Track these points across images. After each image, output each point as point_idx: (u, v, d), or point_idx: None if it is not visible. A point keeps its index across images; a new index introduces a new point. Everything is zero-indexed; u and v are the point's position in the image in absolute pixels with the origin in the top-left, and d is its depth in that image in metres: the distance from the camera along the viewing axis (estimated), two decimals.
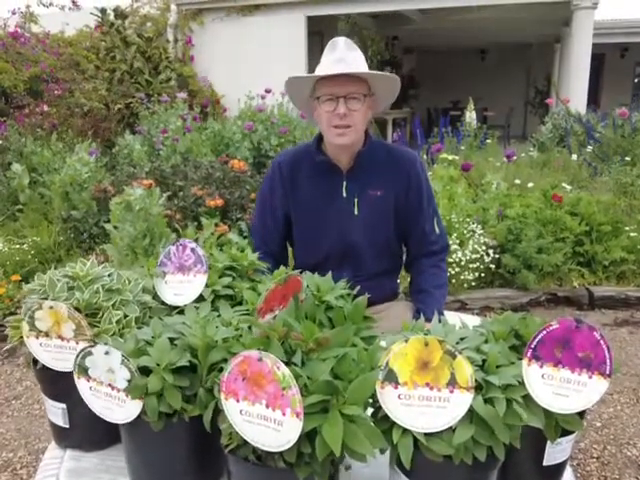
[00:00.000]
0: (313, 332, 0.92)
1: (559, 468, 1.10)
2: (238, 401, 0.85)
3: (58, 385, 1.14)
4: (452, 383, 0.87)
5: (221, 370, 0.93)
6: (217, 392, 0.88)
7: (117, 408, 0.98)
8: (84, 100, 6.65)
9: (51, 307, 1.06)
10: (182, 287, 1.24)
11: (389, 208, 1.77)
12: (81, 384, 1.00)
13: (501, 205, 4.04)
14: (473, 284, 3.71)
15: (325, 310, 1.14)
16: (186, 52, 8.66)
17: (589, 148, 6.37)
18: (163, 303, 1.26)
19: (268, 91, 5.94)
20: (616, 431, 2.58)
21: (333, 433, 0.79)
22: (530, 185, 4.57)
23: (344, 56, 1.60)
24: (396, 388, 0.88)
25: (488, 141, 6.51)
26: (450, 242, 3.65)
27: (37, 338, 1.10)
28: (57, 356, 1.10)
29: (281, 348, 0.89)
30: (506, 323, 1.07)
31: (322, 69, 1.62)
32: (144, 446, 1.02)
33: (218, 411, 0.93)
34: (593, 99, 10.22)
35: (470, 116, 6.80)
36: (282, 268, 1.20)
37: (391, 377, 0.88)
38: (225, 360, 0.94)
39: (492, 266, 3.72)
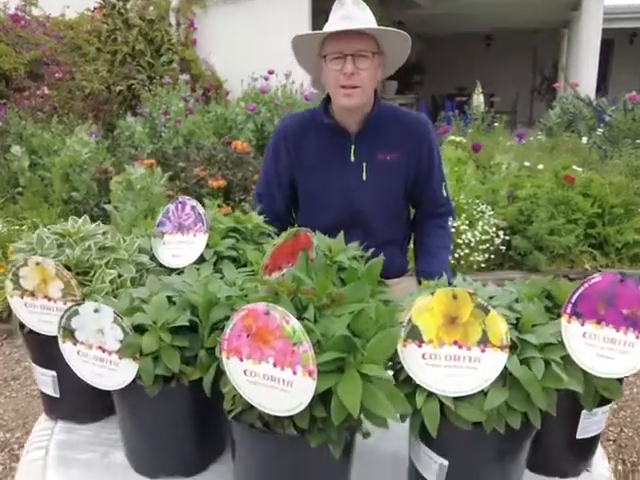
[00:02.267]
0: (326, 287, 0.82)
1: (592, 443, 1.01)
2: (242, 360, 0.75)
3: (46, 351, 1.05)
4: (484, 341, 0.77)
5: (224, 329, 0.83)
6: (219, 351, 0.79)
7: (109, 373, 0.88)
8: (85, 82, 6.55)
9: (37, 263, 0.97)
10: (181, 248, 1.15)
11: (399, 172, 1.70)
12: (67, 348, 0.91)
13: (511, 186, 3.93)
14: (483, 266, 3.61)
15: (337, 271, 1.05)
16: (188, 36, 8.52)
17: (599, 131, 6.24)
18: (161, 266, 1.16)
19: (271, 72, 5.82)
20: (633, 413, 2.49)
21: (350, 393, 0.69)
22: (540, 167, 4.46)
23: (352, 13, 1.52)
24: (420, 346, 0.78)
25: (496, 124, 6.39)
26: (459, 223, 3.58)
27: (22, 297, 1.01)
28: (43, 318, 1.00)
29: (291, 304, 0.80)
30: (535, 285, 0.98)
31: (329, 26, 1.54)
32: (139, 414, 0.93)
33: (221, 374, 0.83)
34: (601, 85, 10.05)
35: (477, 99, 6.67)
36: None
37: (415, 334, 0.79)
38: (228, 318, 0.84)
39: (502, 248, 3.62)
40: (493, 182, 4.10)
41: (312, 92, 5.59)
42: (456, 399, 0.78)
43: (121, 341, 0.86)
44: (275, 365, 0.73)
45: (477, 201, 3.74)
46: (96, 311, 0.86)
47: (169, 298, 0.90)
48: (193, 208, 1.15)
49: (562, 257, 3.80)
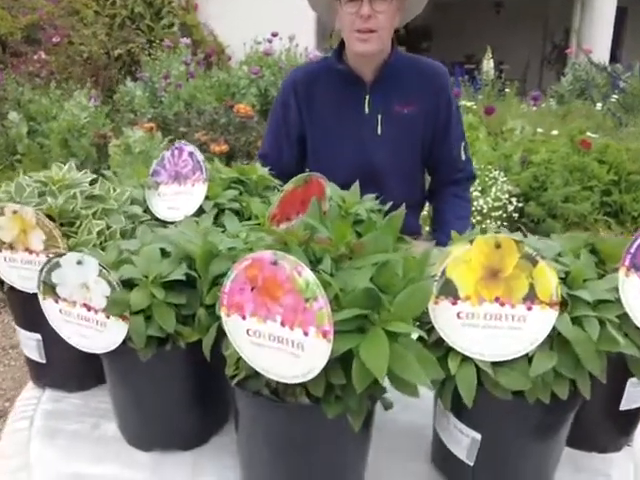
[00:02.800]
0: (345, 235, 0.71)
1: (636, 415, 0.90)
2: (244, 318, 0.64)
3: (29, 311, 0.94)
4: (530, 297, 0.65)
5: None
6: (218, 308, 0.68)
7: (95, 334, 0.78)
8: (83, 47, 6.36)
9: (15, 212, 0.85)
10: (178, 199, 1.03)
11: (416, 127, 1.57)
12: (48, 306, 0.80)
13: (525, 151, 3.78)
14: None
15: (352, 225, 0.93)
16: (189, 0, 8.25)
17: (613, 98, 6.04)
18: (157, 219, 1.05)
19: (275, 35, 5.61)
20: None
21: (375, 354, 0.58)
22: (554, 132, 4.29)
23: None
24: (455, 304, 0.67)
25: (507, 90, 6.19)
26: (471, 190, 3.44)
27: (0, 251, 0.90)
28: (25, 274, 0.89)
29: (303, 255, 0.68)
30: (577, 239, 0.86)
31: None
32: (131, 381, 0.82)
33: (223, 335, 0.72)
34: (613, 54, 9.75)
35: (487, 64, 6.47)
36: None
37: (449, 290, 0.67)
38: None
39: (515, 215, 3.49)
40: (505, 148, 3.95)
41: (317, 55, 5.39)
42: (495, 364, 0.67)
43: (108, 297, 0.75)
44: (283, 324, 0.62)
45: (489, 167, 3.60)
46: (79, 263, 0.74)
47: (163, 251, 0.79)
48: (191, 155, 1.03)
49: (576, 225, 3.67)
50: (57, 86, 5.71)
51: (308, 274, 0.59)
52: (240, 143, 4.16)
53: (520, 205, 3.53)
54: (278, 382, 0.67)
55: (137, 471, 0.85)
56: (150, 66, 5.72)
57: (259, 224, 0.96)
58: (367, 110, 1.55)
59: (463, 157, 1.66)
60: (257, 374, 0.68)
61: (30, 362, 1.04)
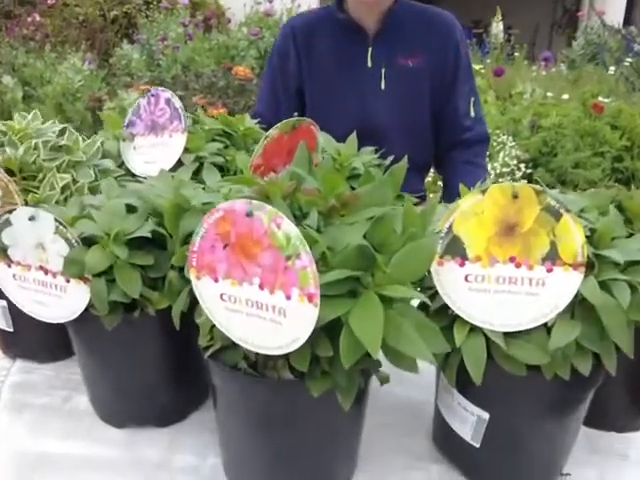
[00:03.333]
0: (336, 185, 0.61)
1: None
2: (217, 280, 0.55)
3: None
4: (551, 257, 0.56)
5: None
6: (187, 270, 0.59)
7: (55, 301, 0.69)
8: (78, 8, 6.16)
9: None
10: (155, 152, 0.93)
11: (423, 81, 1.46)
12: (1, 272, 0.71)
13: (535, 115, 3.64)
14: None
15: (347, 180, 0.83)
16: None
17: (627, 62, 5.83)
18: (133, 175, 0.95)
19: None
20: None
21: (368, 324, 0.49)
22: (565, 97, 4.13)
23: None
24: (463, 265, 0.58)
25: (516, 54, 5.98)
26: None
27: None
28: None
29: (285, 206, 0.59)
30: (600, 196, 0.76)
31: None
32: (99, 352, 0.74)
33: (197, 300, 0.64)
34: (628, 16, 9.41)
35: (497, 27, 6.24)
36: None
37: (456, 248, 0.57)
38: None
39: (523, 181, 3.37)
40: (514, 112, 3.80)
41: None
42: (508, 335, 0.58)
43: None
44: (262, 287, 0.53)
45: (497, 131, 3.47)
46: (32, 219, 0.65)
47: (129, 206, 0.69)
48: (168, 102, 0.92)
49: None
50: (52, 49, 5.55)
51: (289, 227, 0.49)
52: (239, 107, 4.03)
53: (529, 171, 3.40)
54: (258, 354, 0.58)
55: (109, 448, 0.77)
56: (147, 28, 5.54)
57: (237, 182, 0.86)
58: (370, 63, 1.44)
59: (473, 114, 1.53)
60: (234, 345, 0.59)
61: None
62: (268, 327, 0.54)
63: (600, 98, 4.11)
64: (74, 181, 0.82)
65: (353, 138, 0.91)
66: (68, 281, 0.66)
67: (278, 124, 0.74)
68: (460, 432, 0.71)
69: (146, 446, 0.77)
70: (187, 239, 0.66)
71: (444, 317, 0.61)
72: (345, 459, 0.69)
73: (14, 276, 0.70)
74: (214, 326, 0.59)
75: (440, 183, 2.99)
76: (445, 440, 0.77)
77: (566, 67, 6.54)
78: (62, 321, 0.69)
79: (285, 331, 0.52)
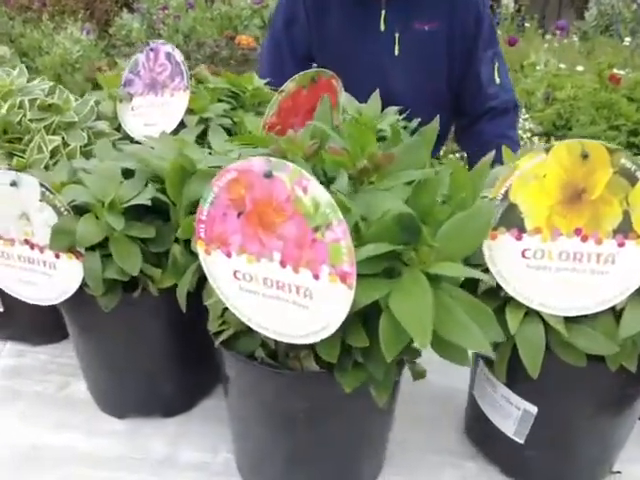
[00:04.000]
0: (366, 144, 0.52)
1: None
2: (230, 255, 0.46)
3: None
4: (624, 230, 0.47)
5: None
6: (194, 243, 0.50)
7: (43, 280, 0.60)
8: None
9: None
10: (155, 113, 0.84)
11: (439, 47, 1.35)
12: None
13: (549, 87, 3.51)
14: None
15: None
16: None
17: None
18: (131, 140, 0.86)
19: None
20: None
21: (415, 307, 0.40)
22: (579, 68, 3.98)
23: None
24: (520, 239, 0.49)
25: (527, 25, 5.80)
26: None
27: None
28: None
29: (308, 168, 0.50)
30: None
31: None
32: (96, 336, 0.66)
33: (205, 279, 0.55)
34: None
35: None
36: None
37: (512, 219, 0.48)
38: None
39: None
40: (527, 84, 3.66)
41: None
42: (569, 320, 0.50)
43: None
44: (284, 264, 0.44)
45: None
46: (14, 184, 0.56)
47: (126, 171, 0.60)
48: (169, 56, 0.82)
49: None
50: (50, 19, 5.39)
51: (317, 190, 0.40)
52: None
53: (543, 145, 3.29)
54: (277, 342, 0.50)
55: (110, 441, 0.69)
56: None
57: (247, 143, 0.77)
58: (383, 27, 1.34)
59: (497, 80, 1.43)
60: (250, 330, 0.51)
61: None
62: (291, 311, 0.45)
63: (615, 70, 3.96)
64: (65, 144, 0.73)
65: (376, 97, 0.82)
66: (58, 256, 0.58)
67: (295, 76, 0.64)
68: (501, 426, 0.63)
69: (151, 439, 0.70)
70: (193, 208, 0.58)
71: (494, 299, 0.52)
72: (373, 456, 0.61)
73: None
74: (226, 309, 0.51)
75: (451, 156, 2.89)
76: (481, 434, 0.69)
77: (578, 39, 6.36)
78: (52, 303, 0.61)
79: (312, 316, 0.44)
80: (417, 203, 0.46)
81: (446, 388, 0.77)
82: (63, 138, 0.73)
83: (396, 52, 1.35)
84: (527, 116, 3.30)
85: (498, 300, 0.52)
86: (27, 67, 3.19)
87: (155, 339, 0.66)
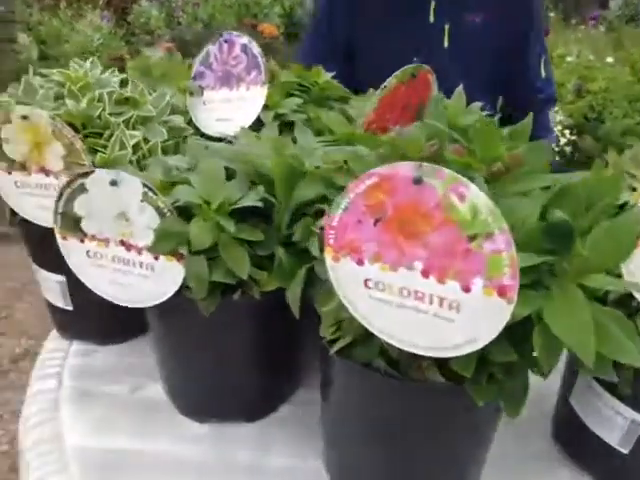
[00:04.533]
0: (493, 144, 0.49)
1: None
2: (361, 263, 0.44)
3: (51, 247, 0.75)
4: None
5: (316, 215, 0.52)
6: (313, 248, 0.48)
7: (139, 282, 0.58)
8: None
9: (25, 117, 0.64)
10: (229, 107, 0.81)
11: (489, 40, 1.32)
12: (70, 248, 0.60)
13: (580, 78, 3.44)
14: None
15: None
16: None
17: None
18: (202, 135, 0.83)
19: None
20: None
21: (574, 322, 0.38)
22: (609, 60, 3.91)
23: None
24: None
25: (551, 14, 5.71)
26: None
27: (9, 173, 0.69)
28: (42, 202, 0.69)
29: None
30: None
31: None
32: (186, 338, 0.64)
33: (310, 283, 0.53)
34: None
35: None
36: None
37: None
38: (324, 200, 0.52)
39: (567, 149, 3.21)
40: (556, 75, 3.60)
41: None
42: None
43: (156, 229, 0.54)
44: (426, 273, 0.41)
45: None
46: (114, 184, 0.54)
47: (228, 171, 0.58)
48: (245, 48, 0.80)
49: None
50: (67, 7, 5.36)
51: (478, 197, 0.38)
52: None
53: (573, 138, 3.23)
54: (400, 350, 0.47)
55: (192, 446, 0.67)
56: None
57: (336, 141, 0.74)
58: (432, 19, 1.30)
59: (543, 74, 1.40)
60: (368, 339, 0.49)
61: (53, 308, 0.86)
62: (430, 323, 0.43)
63: None
64: (145, 140, 0.70)
65: (460, 91, 0.78)
66: (157, 258, 0.55)
67: (397, 72, 0.61)
68: (604, 436, 0.61)
69: (234, 444, 0.68)
70: (298, 210, 0.55)
71: (624, 308, 0.49)
72: (478, 468, 0.59)
73: (87, 253, 0.59)
74: (345, 317, 0.49)
75: None
76: (574, 440, 0.67)
77: (605, 29, 6.25)
78: (146, 305, 0.59)
79: (457, 330, 0.42)
80: (565, 206, 0.43)
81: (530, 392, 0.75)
82: (143, 133, 0.70)
83: (445, 44, 1.32)
84: (556, 108, 3.24)
85: (629, 309, 0.49)
86: (45, 55, 3.17)
87: (246, 343, 0.64)
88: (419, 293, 0.42)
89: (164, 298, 0.57)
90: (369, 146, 0.56)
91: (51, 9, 5.36)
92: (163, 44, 3.74)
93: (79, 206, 0.57)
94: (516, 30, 1.33)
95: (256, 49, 0.78)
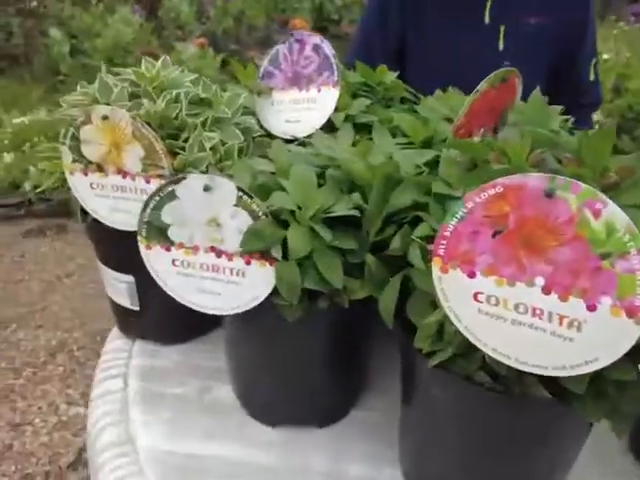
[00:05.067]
0: (602, 153, 0.47)
1: None
2: (473, 275, 0.43)
3: (121, 248, 0.76)
4: None
5: (411, 225, 0.51)
6: (415, 258, 0.47)
7: (229, 289, 0.57)
8: None
9: (105, 117, 0.64)
10: (299, 109, 0.80)
11: (544, 42, 1.28)
12: (155, 257, 0.59)
13: (619, 77, 3.37)
14: None
15: None
16: None
17: None
18: (268, 136, 0.82)
19: None
20: None
21: None
22: None
23: None
24: None
25: None
26: None
27: (85, 175, 0.69)
28: (118, 205, 0.69)
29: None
30: None
31: None
32: (265, 343, 0.63)
33: (403, 293, 0.52)
34: None
35: None
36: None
37: None
38: (417, 207, 0.51)
39: None
40: None
41: None
42: None
43: (247, 230, 0.53)
44: (548, 290, 0.40)
45: None
46: (207, 189, 0.53)
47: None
48: (317, 48, 0.78)
49: None
50: (99, 1, 5.40)
51: (615, 214, 0.36)
52: None
53: None
54: (508, 367, 0.46)
55: (264, 452, 0.67)
56: None
57: (412, 143, 0.73)
58: (487, 20, 1.26)
59: (592, 77, 1.37)
60: (470, 352, 0.48)
61: (116, 307, 0.86)
62: (545, 341, 0.41)
63: None
64: (222, 142, 0.69)
65: (538, 94, 0.76)
66: (248, 263, 0.55)
67: (490, 76, 0.60)
68: None
69: (309, 450, 0.67)
70: (390, 218, 0.54)
71: None
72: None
73: (173, 262, 0.59)
74: (446, 330, 0.47)
75: None
76: None
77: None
78: (235, 311, 0.58)
79: (576, 349, 0.40)
80: None
81: None
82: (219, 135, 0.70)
83: (500, 47, 1.28)
84: None
85: None
86: (76, 50, 3.19)
87: (324, 347, 0.63)
88: (537, 310, 0.41)
89: (254, 304, 0.56)
90: (466, 152, 0.54)
91: (82, 4, 5.40)
92: (195, 39, 3.75)
93: (167, 214, 0.56)
94: (572, 33, 1.29)
95: (329, 49, 0.77)
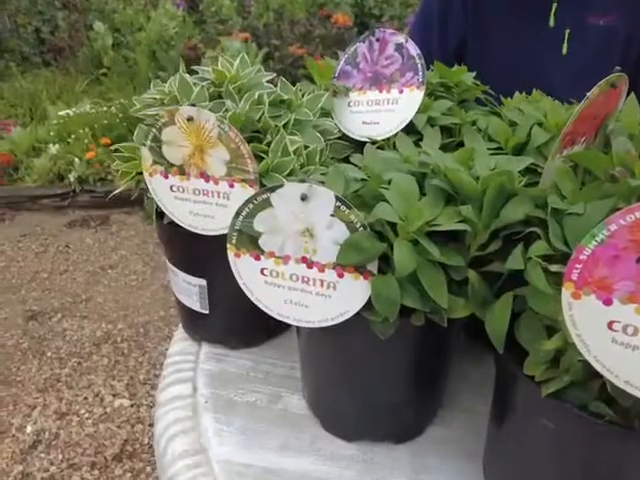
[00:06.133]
0: None
1: None
2: (609, 302, 0.39)
3: (195, 251, 0.74)
4: None
5: (513, 241, 0.47)
6: (539, 281, 0.43)
7: (318, 302, 0.55)
8: None
9: (191, 119, 0.62)
10: (378, 110, 0.77)
11: (615, 45, 1.20)
12: (243, 265, 0.57)
13: None
14: None
15: None
16: None
17: None
18: (344, 137, 0.80)
19: None
20: None
21: None
22: None
23: None
24: None
25: None
26: None
27: (166, 177, 0.68)
28: (198, 208, 0.68)
29: None
30: None
31: None
32: (349, 358, 0.61)
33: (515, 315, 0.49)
34: None
35: None
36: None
37: None
38: (526, 222, 0.48)
39: None
40: None
41: None
42: None
43: (343, 243, 0.51)
44: None
45: None
46: (304, 199, 0.51)
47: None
48: (400, 48, 0.75)
49: None
50: None
51: None
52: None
53: None
54: (623, 395, 0.43)
55: (342, 467, 0.65)
56: None
57: (501, 148, 0.69)
58: (552, 23, 1.19)
59: None
60: (589, 381, 0.44)
61: (183, 309, 0.85)
62: None
63: None
64: (305, 146, 0.67)
65: (634, 100, 0.72)
66: (341, 276, 0.52)
67: (601, 82, 0.56)
68: None
69: (387, 467, 0.65)
70: (497, 233, 0.51)
71: None
72: None
73: (262, 270, 0.56)
74: (569, 360, 0.44)
75: None
76: None
77: None
78: (322, 325, 0.56)
79: None
80: None
81: None
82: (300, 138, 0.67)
83: (564, 51, 1.21)
84: None
85: None
86: (119, 43, 3.22)
87: (408, 362, 0.60)
88: None
89: (344, 318, 0.54)
90: (586, 164, 0.51)
91: None
92: (238, 34, 3.74)
93: (260, 222, 0.54)
94: None
95: (414, 49, 0.73)
